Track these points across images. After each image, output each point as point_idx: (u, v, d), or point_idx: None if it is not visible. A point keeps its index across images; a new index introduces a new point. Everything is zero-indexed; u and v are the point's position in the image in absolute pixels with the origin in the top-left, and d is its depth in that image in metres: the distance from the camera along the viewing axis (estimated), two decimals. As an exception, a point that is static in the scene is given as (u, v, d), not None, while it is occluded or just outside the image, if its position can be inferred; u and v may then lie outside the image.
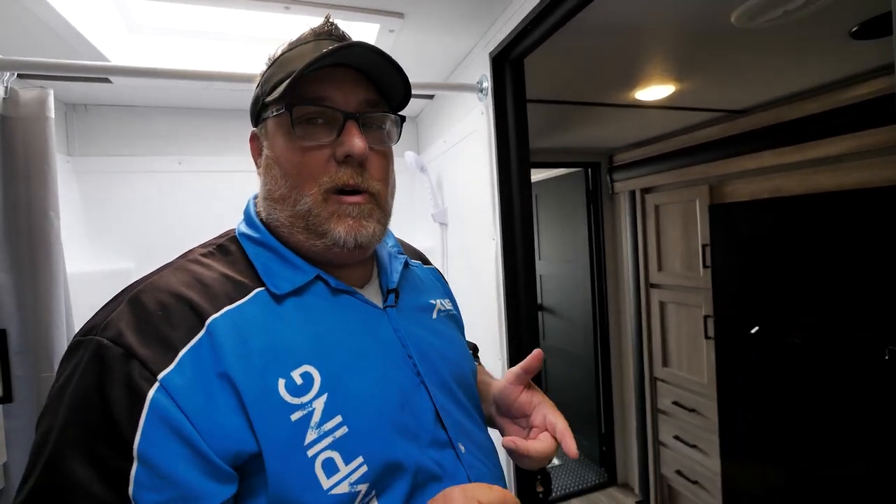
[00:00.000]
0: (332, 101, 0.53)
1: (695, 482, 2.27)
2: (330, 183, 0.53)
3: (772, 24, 1.11)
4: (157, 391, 0.40)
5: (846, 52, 1.34)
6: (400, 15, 1.17)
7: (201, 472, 0.40)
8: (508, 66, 1.27)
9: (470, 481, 0.53)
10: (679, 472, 2.37)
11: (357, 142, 0.52)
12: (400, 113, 0.60)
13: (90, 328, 0.44)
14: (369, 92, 0.56)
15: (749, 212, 1.92)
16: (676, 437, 2.37)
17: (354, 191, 0.54)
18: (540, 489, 1.25)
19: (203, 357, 0.43)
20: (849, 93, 1.54)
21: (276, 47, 0.59)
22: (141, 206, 1.74)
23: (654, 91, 1.61)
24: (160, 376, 0.40)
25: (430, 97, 1.87)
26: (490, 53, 1.28)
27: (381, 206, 0.57)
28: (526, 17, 1.08)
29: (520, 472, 1.29)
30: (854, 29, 1.17)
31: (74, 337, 0.45)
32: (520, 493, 1.29)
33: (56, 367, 1.01)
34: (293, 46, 0.57)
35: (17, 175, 1.00)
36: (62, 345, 1.03)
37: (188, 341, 0.43)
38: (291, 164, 0.53)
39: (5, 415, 1.00)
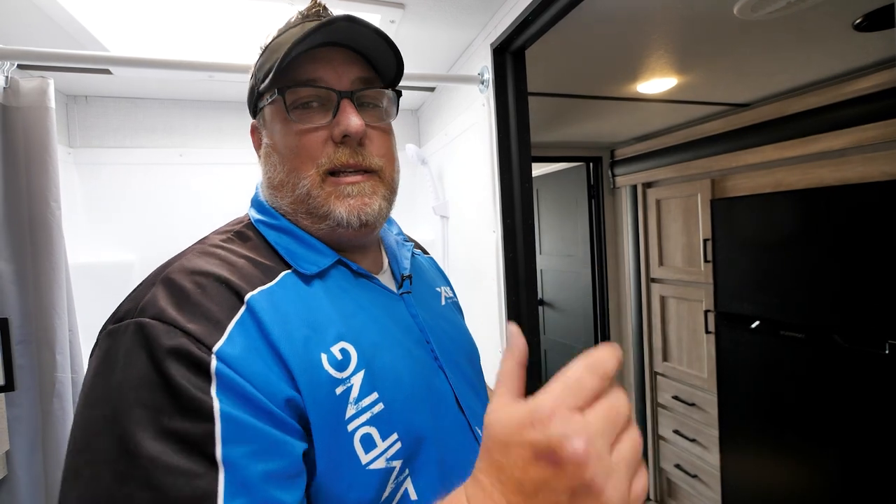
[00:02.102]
0: (325, 81, 0.52)
1: (694, 476, 2.28)
2: (328, 164, 0.52)
3: (774, 16, 1.11)
4: (217, 362, 0.39)
5: (850, 45, 1.33)
6: (400, 5, 1.17)
7: (278, 429, 0.40)
8: (510, 58, 1.26)
9: None
10: (678, 466, 2.38)
11: (354, 119, 0.51)
12: (402, 104, 0.60)
13: (123, 314, 0.42)
14: (363, 69, 0.55)
15: (750, 206, 1.91)
16: (676, 432, 2.38)
17: (355, 170, 0.53)
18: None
19: (249, 331, 0.43)
20: (851, 86, 1.53)
21: (266, 36, 0.58)
22: (142, 199, 1.74)
23: (656, 84, 1.60)
24: (215, 349, 0.40)
25: (431, 89, 1.86)
26: (491, 45, 1.27)
27: (385, 182, 0.56)
28: (527, 7, 1.07)
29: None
30: (857, 21, 1.16)
31: (106, 325, 0.43)
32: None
33: (58, 355, 1.02)
34: (281, 32, 0.56)
35: (18, 165, 1.01)
36: (64, 333, 1.03)
37: (232, 317, 0.43)
38: (289, 148, 0.52)
39: (7, 403, 1.00)
